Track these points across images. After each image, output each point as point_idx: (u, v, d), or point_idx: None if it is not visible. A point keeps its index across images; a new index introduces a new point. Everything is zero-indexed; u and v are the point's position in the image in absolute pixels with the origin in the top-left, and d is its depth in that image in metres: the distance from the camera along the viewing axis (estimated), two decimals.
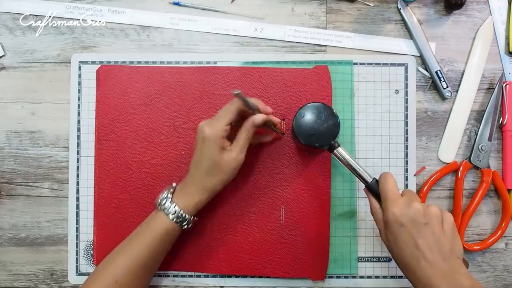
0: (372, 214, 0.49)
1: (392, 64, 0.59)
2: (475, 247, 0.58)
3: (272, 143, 0.58)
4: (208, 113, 0.58)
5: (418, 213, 0.43)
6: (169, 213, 0.50)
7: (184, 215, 0.50)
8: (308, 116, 0.50)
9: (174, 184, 0.53)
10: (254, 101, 0.50)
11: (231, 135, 0.51)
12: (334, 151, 0.50)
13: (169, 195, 0.51)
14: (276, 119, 0.53)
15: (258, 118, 0.50)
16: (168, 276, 0.58)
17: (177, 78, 0.59)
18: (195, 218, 0.52)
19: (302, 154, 0.58)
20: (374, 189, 0.48)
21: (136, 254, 0.50)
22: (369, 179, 0.49)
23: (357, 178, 0.50)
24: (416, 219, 0.43)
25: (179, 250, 0.58)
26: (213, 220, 0.58)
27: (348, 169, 0.50)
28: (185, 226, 0.51)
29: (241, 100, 0.49)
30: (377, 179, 0.48)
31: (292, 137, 0.51)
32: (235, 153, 0.50)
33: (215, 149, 0.49)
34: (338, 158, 0.50)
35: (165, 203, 0.51)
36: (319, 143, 0.50)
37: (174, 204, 0.50)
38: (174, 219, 0.50)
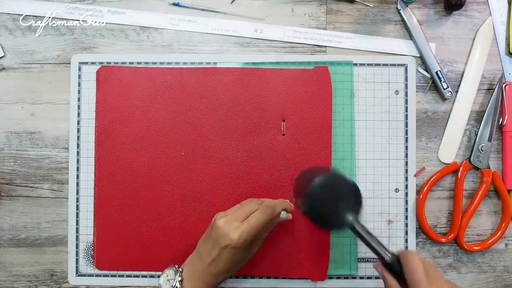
0: None
1: (392, 65, 0.59)
2: (475, 248, 0.58)
3: (273, 144, 0.58)
4: (208, 114, 0.58)
5: None
6: None
7: None
8: (324, 193, 0.41)
9: (178, 267, 0.50)
10: (284, 203, 0.51)
11: None
12: (353, 227, 0.43)
13: (179, 278, 0.48)
14: (290, 216, 0.52)
15: (283, 217, 0.50)
16: None
17: (177, 79, 0.59)
18: None
19: (302, 155, 0.58)
20: (394, 268, 0.43)
21: None
22: (389, 257, 0.43)
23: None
24: None
25: (179, 251, 0.58)
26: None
27: (365, 245, 0.44)
28: None
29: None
30: (395, 255, 0.43)
31: (303, 212, 0.44)
32: (255, 249, 0.50)
33: (242, 256, 0.48)
34: (357, 234, 0.43)
35: (175, 285, 0.48)
36: (337, 226, 0.42)
37: None
38: None
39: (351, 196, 0.41)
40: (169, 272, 0.49)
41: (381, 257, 0.43)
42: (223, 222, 0.47)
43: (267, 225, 0.49)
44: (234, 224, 0.47)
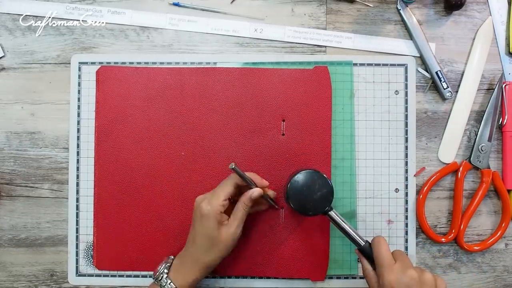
0: (365, 276, 0.50)
1: (392, 65, 0.59)
2: (475, 248, 0.58)
3: (273, 144, 0.58)
4: (208, 114, 0.58)
5: (413, 281, 0.45)
6: None
7: None
8: (302, 185, 0.50)
9: (171, 257, 0.53)
10: (250, 175, 0.52)
11: (229, 209, 0.51)
12: (328, 213, 0.51)
13: (165, 270, 0.51)
14: (272, 192, 0.55)
15: (255, 192, 0.51)
16: None
17: (176, 79, 0.59)
18: None
19: (302, 155, 0.58)
20: (367, 252, 0.50)
21: None
22: (362, 243, 0.50)
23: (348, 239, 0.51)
24: (411, 286, 0.45)
25: (178, 251, 0.58)
26: None
27: (341, 232, 0.51)
28: None
29: (237, 174, 0.50)
30: (370, 242, 0.50)
31: (285, 201, 0.52)
32: (233, 228, 0.50)
33: (213, 225, 0.49)
34: (332, 221, 0.51)
35: (161, 278, 0.50)
36: (313, 211, 0.50)
37: (170, 281, 0.50)
38: None
39: (326, 188, 0.50)
40: (161, 264, 0.52)
41: (356, 243, 0.51)
42: (198, 199, 0.52)
43: (239, 198, 0.51)
44: (208, 197, 0.51)
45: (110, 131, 0.59)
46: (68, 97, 0.60)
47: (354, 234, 0.51)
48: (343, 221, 0.51)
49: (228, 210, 0.51)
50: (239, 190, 0.52)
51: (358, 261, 0.52)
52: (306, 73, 0.58)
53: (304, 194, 0.50)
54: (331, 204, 0.50)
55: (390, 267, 0.46)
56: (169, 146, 0.58)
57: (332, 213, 0.51)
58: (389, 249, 0.48)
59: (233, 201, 0.52)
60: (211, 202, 0.50)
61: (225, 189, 0.51)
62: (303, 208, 0.50)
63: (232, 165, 0.48)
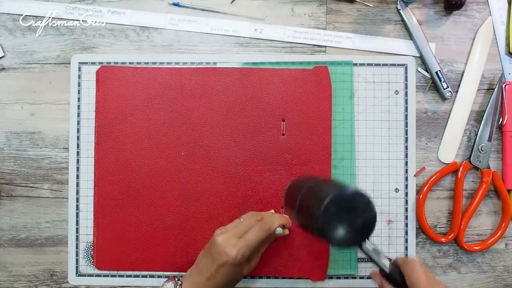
0: None
1: (392, 65, 0.59)
2: (475, 248, 0.58)
3: (273, 144, 0.58)
4: (208, 114, 0.58)
5: None
6: None
7: None
8: (340, 209, 0.38)
9: (180, 283, 0.50)
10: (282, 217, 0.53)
11: None
12: (363, 247, 0.41)
13: None
14: (287, 232, 0.54)
15: (280, 232, 0.51)
16: (168, 277, 0.58)
17: (176, 79, 0.59)
18: None
19: (302, 155, 0.58)
20: (393, 278, 0.42)
21: None
22: (387, 268, 0.43)
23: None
24: None
25: (179, 251, 0.58)
26: (213, 220, 0.58)
27: (368, 257, 0.43)
28: None
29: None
30: (393, 262, 0.43)
31: (296, 219, 0.43)
32: (254, 263, 0.51)
33: (239, 271, 0.49)
34: (365, 253, 0.43)
35: None
36: (350, 243, 0.39)
37: None
38: None
39: (368, 213, 0.39)
40: (168, 285, 0.49)
41: (381, 268, 0.43)
42: (221, 238, 0.48)
43: (264, 241, 0.50)
44: (233, 241, 0.48)
45: (110, 131, 0.59)
46: (68, 97, 0.60)
47: (380, 259, 0.42)
48: (376, 250, 0.42)
49: None
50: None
51: (372, 280, 0.47)
52: (306, 73, 0.58)
53: (342, 220, 0.38)
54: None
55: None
56: (169, 146, 0.58)
57: (365, 246, 0.41)
58: (424, 274, 0.42)
59: None
60: (240, 250, 0.47)
61: (257, 238, 0.48)
62: (340, 240, 0.38)
63: (279, 232, 0.48)
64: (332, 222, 0.37)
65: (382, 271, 0.43)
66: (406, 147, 0.59)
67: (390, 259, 0.44)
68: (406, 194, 0.58)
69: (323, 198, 0.37)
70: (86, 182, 0.59)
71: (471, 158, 0.58)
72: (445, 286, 0.44)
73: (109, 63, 0.59)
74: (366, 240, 0.40)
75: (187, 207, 0.58)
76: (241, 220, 0.51)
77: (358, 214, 0.38)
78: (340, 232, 0.38)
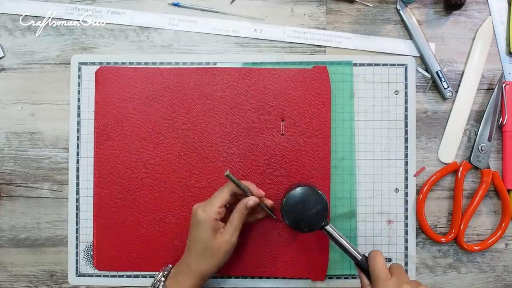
0: None
1: (391, 65, 0.59)
2: (475, 248, 0.58)
3: (272, 145, 0.58)
4: (207, 114, 0.58)
5: None
6: None
7: None
8: (296, 202, 0.50)
9: (170, 266, 0.53)
10: (246, 183, 0.52)
11: (226, 217, 0.52)
12: (324, 228, 0.51)
13: (163, 278, 0.51)
14: (269, 202, 0.55)
15: (251, 200, 0.51)
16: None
17: (176, 79, 0.59)
18: None
19: (301, 155, 0.58)
20: (363, 266, 0.49)
21: None
22: (359, 257, 0.50)
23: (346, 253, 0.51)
24: None
25: (179, 251, 0.58)
26: None
27: (338, 246, 0.51)
28: None
29: (232, 181, 0.50)
30: (366, 256, 0.49)
31: (282, 217, 0.52)
32: (228, 236, 0.50)
33: (208, 232, 0.49)
34: (329, 235, 0.51)
35: (158, 286, 0.50)
36: (308, 228, 0.50)
37: None
38: None
39: (320, 204, 0.50)
40: (159, 273, 0.52)
41: (352, 257, 0.50)
42: (195, 206, 0.52)
43: (233, 202, 0.52)
44: (204, 204, 0.51)
45: (109, 131, 0.59)
46: (68, 97, 0.60)
47: (351, 248, 0.50)
48: (339, 235, 0.51)
49: (225, 219, 0.52)
50: (236, 198, 0.52)
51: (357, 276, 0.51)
52: (305, 73, 0.58)
53: (298, 211, 0.50)
54: (327, 219, 0.50)
55: (385, 282, 0.45)
56: (168, 146, 0.58)
57: (328, 227, 0.51)
58: (385, 263, 0.47)
59: (230, 209, 0.52)
60: (206, 209, 0.50)
61: (221, 196, 0.51)
62: (298, 225, 0.50)
63: (227, 172, 0.49)
64: (289, 212, 0.50)
65: (354, 261, 0.50)
66: (406, 147, 0.58)
67: (389, 259, 0.48)
68: (406, 194, 0.58)
69: (287, 192, 0.51)
70: (86, 182, 0.59)
71: (471, 158, 0.58)
72: (409, 278, 0.46)
73: (109, 63, 0.59)
74: (330, 226, 0.51)
75: (186, 207, 0.58)
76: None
77: (314, 205, 0.50)
78: (297, 219, 0.50)
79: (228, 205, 0.52)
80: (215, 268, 0.51)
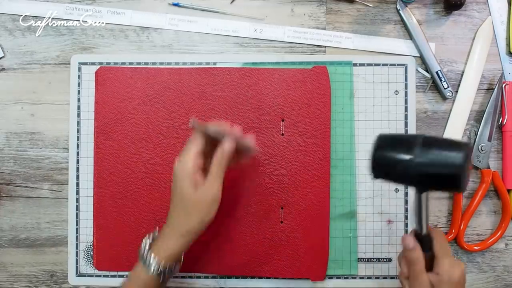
0: (413, 264, 0.45)
1: (391, 65, 0.59)
2: (475, 248, 0.58)
3: (272, 145, 0.58)
4: (207, 114, 0.58)
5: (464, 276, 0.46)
6: (149, 265, 0.46)
7: (164, 266, 0.47)
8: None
9: (156, 229, 0.50)
10: (215, 127, 0.47)
11: (207, 168, 0.48)
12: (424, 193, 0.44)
13: (147, 245, 0.48)
14: (249, 140, 0.49)
15: (227, 146, 0.47)
16: None
17: (176, 79, 0.59)
18: (181, 261, 0.50)
19: (301, 155, 0.58)
20: (424, 240, 0.45)
21: None
22: (425, 230, 0.45)
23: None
24: (464, 281, 0.45)
25: None
26: (213, 221, 0.58)
27: (416, 214, 0.45)
28: (169, 276, 0.48)
29: (198, 129, 0.47)
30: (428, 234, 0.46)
31: (376, 174, 0.44)
32: (209, 188, 0.46)
33: (187, 185, 0.46)
34: (419, 202, 0.44)
35: (143, 254, 0.47)
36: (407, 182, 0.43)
37: (153, 255, 0.47)
38: (154, 272, 0.46)
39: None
40: (144, 240, 0.49)
41: (419, 228, 0.45)
42: (175, 161, 0.48)
43: (211, 149, 0.47)
44: (178, 157, 0.48)
45: (109, 131, 0.59)
46: (68, 97, 0.60)
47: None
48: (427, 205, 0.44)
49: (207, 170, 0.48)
50: (214, 145, 0.48)
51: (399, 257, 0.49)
52: (305, 73, 0.58)
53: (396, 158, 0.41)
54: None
55: (456, 262, 0.45)
56: (168, 146, 0.58)
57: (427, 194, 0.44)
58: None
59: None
60: (182, 160, 0.46)
61: (192, 146, 0.47)
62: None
63: (191, 123, 0.45)
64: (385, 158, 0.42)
65: (416, 232, 0.45)
66: None
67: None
68: (406, 194, 0.58)
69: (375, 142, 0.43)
70: (86, 182, 0.59)
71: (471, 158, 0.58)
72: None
73: (109, 63, 0.59)
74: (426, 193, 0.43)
75: None
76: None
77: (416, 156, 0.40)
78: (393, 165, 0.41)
79: (206, 154, 0.48)
80: (200, 225, 0.47)
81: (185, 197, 0.46)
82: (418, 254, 0.45)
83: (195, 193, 0.46)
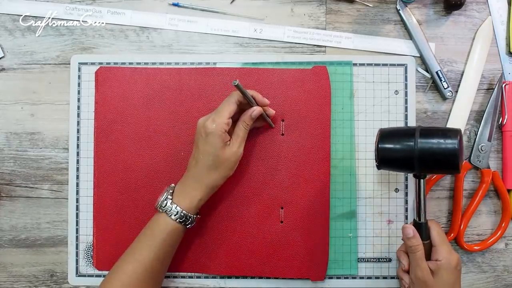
0: (414, 251, 0.49)
1: (391, 65, 0.59)
2: (475, 248, 0.58)
3: (272, 145, 0.58)
4: (207, 114, 0.58)
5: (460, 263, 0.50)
6: (171, 214, 0.50)
7: (187, 214, 0.50)
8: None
9: (172, 185, 0.53)
10: (252, 93, 0.52)
11: (230, 130, 0.52)
12: (423, 179, 0.49)
13: (169, 196, 0.51)
14: (271, 111, 0.55)
15: (256, 111, 0.52)
16: (168, 277, 0.58)
17: (176, 79, 0.59)
18: (198, 215, 0.52)
19: (301, 155, 0.58)
20: (421, 228, 0.50)
21: (143, 260, 0.50)
22: (424, 219, 0.50)
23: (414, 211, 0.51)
24: (460, 268, 0.50)
25: (179, 251, 0.57)
26: (213, 221, 0.58)
27: (416, 201, 0.50)
28: (189, 225, 0.51)
29: (240, 91, 0.50)
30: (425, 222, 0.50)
31: (380, 163, 0.49)
32: (236, 147, 0.51)
33: (218, 143, 0.50)
34: (419, 187, 0.50)
35: (166, 204, 0.50)
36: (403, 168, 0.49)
37: (176, 204, 0.50)
38: (178, 220, 0.50)
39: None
40: (162, 194, 0.52)
41: (418, 217, 0.50)
42: (201, 120, 0.52)
43: (240, 117, 0.52)
44: (212, 116, 0.51)
45: (109, 131, 0.59)
46: (68, 97, 0.60)
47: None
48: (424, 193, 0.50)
49: (229, 131, 0.52)
50: (240, 109, 0.52)
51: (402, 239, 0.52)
52: (305, 73, 0.58)
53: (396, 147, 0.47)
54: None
55: (452, 250, 0.49)
56: (168, 146, 0.58)
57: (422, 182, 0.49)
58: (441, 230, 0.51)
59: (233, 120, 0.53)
60: (216, 121, 0.50)
61: (228, 107, 0.51)
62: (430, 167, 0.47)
63: (236, 82, 0.48)
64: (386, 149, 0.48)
65: (415, 221, 0.50)
66: None
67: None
68: (406, 194, 0.58)
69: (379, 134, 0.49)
70: (86, 182, 0.59)
71: (471, 158, 0.58)
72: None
73: (109, 63, 0.59)
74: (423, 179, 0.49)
75: None
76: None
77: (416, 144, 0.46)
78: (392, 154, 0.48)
79: (232, 117, 0.52)
80: (222, 181, 0.52)
81: (215, 154, 0.50)
82: (418, 242, 0.49)
83: (224, 152, 0.50)
